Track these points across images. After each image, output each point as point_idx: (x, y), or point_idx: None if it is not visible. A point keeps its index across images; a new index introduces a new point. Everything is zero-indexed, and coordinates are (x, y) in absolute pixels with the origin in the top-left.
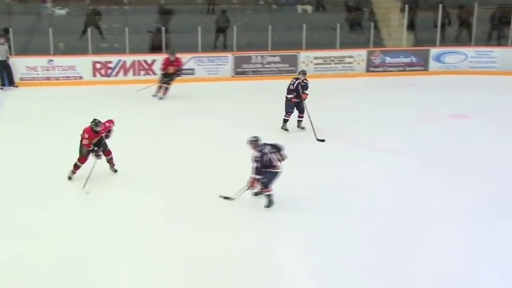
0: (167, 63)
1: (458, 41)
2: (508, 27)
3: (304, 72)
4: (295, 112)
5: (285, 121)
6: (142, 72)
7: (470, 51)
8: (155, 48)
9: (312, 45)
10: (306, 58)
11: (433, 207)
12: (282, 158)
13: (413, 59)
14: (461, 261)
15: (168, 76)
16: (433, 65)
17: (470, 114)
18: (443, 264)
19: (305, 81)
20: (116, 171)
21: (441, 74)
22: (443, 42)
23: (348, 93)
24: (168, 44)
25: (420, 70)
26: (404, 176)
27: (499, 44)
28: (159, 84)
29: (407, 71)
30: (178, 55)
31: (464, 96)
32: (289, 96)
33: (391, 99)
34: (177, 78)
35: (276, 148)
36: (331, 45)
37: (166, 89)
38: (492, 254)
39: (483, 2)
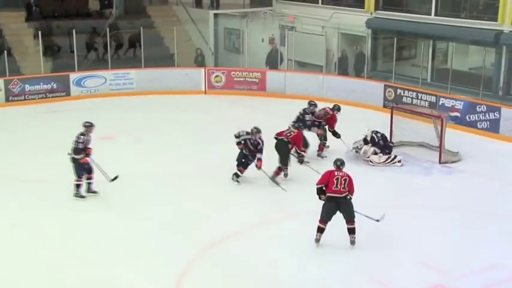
0: None
1: (97, 65)
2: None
3: None
4: None
5: None
6: None
7: (108, 74)
8: None
9: None
10: None
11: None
12: None
13: (54, 85)
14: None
15: None
16: (74, 90)
17: (115, 135)
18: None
19: None
20: None
21: (83, 98)
22: (82, 67)
23: None
24: None
25: (62, 96)
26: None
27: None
28: None
29: (49, 97)
30: None
31: (108, 118)
32: None
33: (32, 128)
34: None
35: None
36: None
37: None
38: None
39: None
